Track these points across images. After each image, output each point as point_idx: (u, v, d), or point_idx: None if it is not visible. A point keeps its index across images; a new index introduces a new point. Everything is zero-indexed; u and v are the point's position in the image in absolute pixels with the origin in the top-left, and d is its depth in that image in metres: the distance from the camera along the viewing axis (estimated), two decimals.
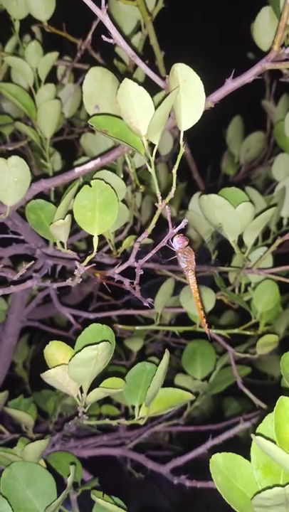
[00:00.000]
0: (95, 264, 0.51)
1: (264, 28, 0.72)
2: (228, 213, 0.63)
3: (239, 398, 1.02)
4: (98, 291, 1.05)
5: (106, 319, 0.88)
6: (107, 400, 0.89)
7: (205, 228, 0.71)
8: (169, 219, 0.45)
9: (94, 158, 0.62)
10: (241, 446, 0.44)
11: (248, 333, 0.77)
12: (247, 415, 0.78)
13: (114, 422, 0.58)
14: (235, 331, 0.77)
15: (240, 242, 0.70)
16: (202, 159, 1.13)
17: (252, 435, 0.37)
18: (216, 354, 0.84)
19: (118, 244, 0.72)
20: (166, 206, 0.46)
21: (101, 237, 0.77)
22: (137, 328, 0.79)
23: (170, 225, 0.45)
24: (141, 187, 0.69)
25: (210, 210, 0.64)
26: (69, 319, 0.80)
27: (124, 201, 0.67)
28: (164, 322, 0.89)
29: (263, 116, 1.09)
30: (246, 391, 0.74)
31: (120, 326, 0.80)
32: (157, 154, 1.00)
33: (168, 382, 0.70)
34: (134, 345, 0.92)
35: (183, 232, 0.50)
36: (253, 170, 1.14)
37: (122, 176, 0.68)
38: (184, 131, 0.50)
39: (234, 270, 0.74)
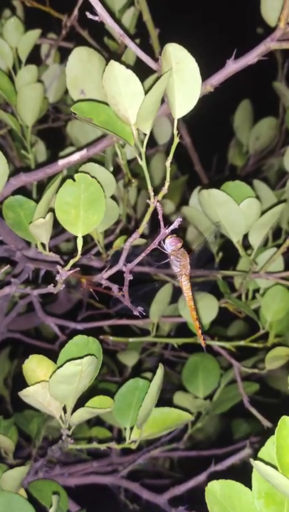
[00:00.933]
0: (78, 268, 0.52)
1: (272, 2, 0.72)
2: (230, 210, 0.64)
3: (249, 419, 1.02)
4: (88, 299, 1.05)
5: (96, 330, 0.89)
6: (98, 422, 0.89)
7: (206, 227, 0.72)
8: (160, 217, 0.46)
9: (80, 148, 0.63)
10: (247, 473, 0.45)
11: (255, 345, 0.77)
12: (255, 438, 0.79)
13: (102, 446, 0.59)
14: (242, 343, 0.77)
15: (247, 243, 0.71)
16: (206, 149, 1.14)
17: (251, 460, 0.38)
18: (221, 369, 0.85)
19: (109, 246, 0.73)
20: (158, 203, 0.46)
21: (91, 238, 0.79)
22: (131, 340, 0.80)
23: (162, 224, 0.46)
24: (133, 181, 0.70)
25: (210, 207, 0.64)
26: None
27: (114, 197, 0.67)
28: (161, 333, 0.89)
29: (275, 100, 1.10)
30: (253, 411, 0.75)
31: (112, 338, 0.81)
32: (154, 143, 1.03)
33: (167, 402, 0.71)
34: (129, 360, 0.93)
35: (176, 232, 0.51)
36: (264, 160, 1.15)
37: (111, 168, 0.69)
38: (184, 119, 0.51)
39: (240, 274, 0.75)
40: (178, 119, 0.50)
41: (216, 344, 0.78)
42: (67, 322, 0.80)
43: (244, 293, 0.78)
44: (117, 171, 0.81)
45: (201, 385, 0.83)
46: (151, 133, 0.94)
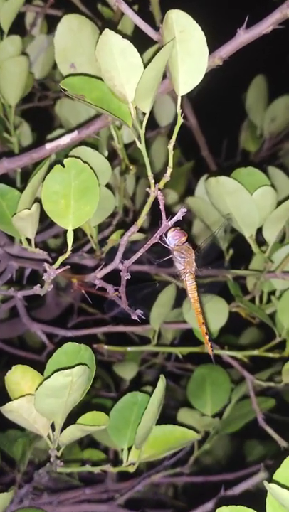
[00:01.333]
0: (68, 267, 0.52)
1: None
2: (242, 201, 0.64)
3: (264, 440, 1.03)
4: (80, 303, 1.06)
5: (89, 338, 0.89)
6: (92, 443, 0.90)
7: (214, 220, 0.72)
8: (161, 208, 0.46)
9: (71, 130, 0.64)
10: (262, 501, 0.45)
11: (271, 355, 0.78)
12: (271, 461, 0.79)
13: (96, 470, 0.59)
14: (255, 352, 0.78)
15: (261, 238, 0.71)
16: (214, 132, 1.14)
17: (265, 483, 0.38)
18: (232, 383, 0.85)
19: (104, 242, 0.73)
20: (159, 192, 0.46)
21: (83, 233, 0.79)
22: (129, 349, 0.80)
23: (163, 215, 0.46)
24: (131, 167, 0.71)
25: (219, 197, 0.65)
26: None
27: (109, 186, 0.68)
28: (164, 342, 0.90)
29: None
30: (269, 429, 0.75)
31: (107, 347, 0.81)
32: (155, 125, 1.03)
33: (171, 420, 0.72)
34: (127, 372, 0.93)
35: (180, 225, 0.51)
36: (280, 145, 1.15)
37: (106, 153, 0.69)
38: (190, 97, 0.51)
39: (253, 274, 0.75)
40: (182, 97, 0.50)
41: (225, 354, 0.79)
42: (55, 329, 0.80)
43: (258, 295, 0.79)
44: (112, 157, 0.81)
45: (209, 401, 0.83)
46: (152, 113, 0.94)
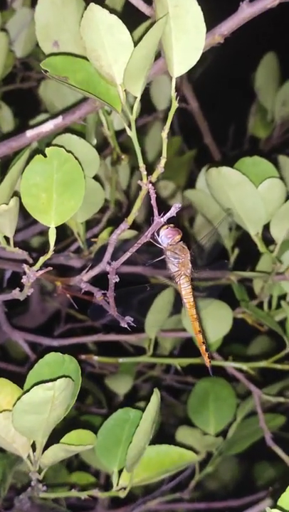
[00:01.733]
0: (50, 268, 0.52)
1: None
2: (246, 194, 0.64)
3: (274, 461, 1.03)
4: (68, 309, 1.06)
5: (78, 348, 0.89)
6: (81, 466, 0.90)
7: (215, 215, 0.73)
8: (153, 203, 0.46)
9: (55, 116, 0.64)
10: None
11: (280, 367, 0.78)
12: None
13: (83, 495, 0.60)
14: (263, 364, 0.78)
15: (268, 236, 0.71)
16: (220, 117, 1.15)
17: (267, 509, 0.39)
18: (237, 398, 0.86)
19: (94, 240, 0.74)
20: (150, 185, 0.47)
21: (71, 232, 0.79)
22: (121, 360, 0.80)
23: (155, 211, 0.47)
24: (123, 157, 0.71)
25: (221, 190, 0.65)
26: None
27: (98, 178, 0.68)
28: (162, 352, 0.90)
29: None
30: (278, 450, 0.75)
31: (97, 358, 0.82)
32: (152, 109, 1.04)
33: (170, 439, 0.72)
34: (120, 386, 0.94)
35: (175, 222, 0.51)
36: None
37: (94, 141, 0.70)
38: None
39: (260, 276, 0.76)
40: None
41: (230, 366, 0.79)
42: (39, 338, 0.81)
43: (266, 300, 0.79)
44: (104, 145, 0.82)
45: (212, 418, 0.84)
46: (148, 96, 0.95)
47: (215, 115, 1.13)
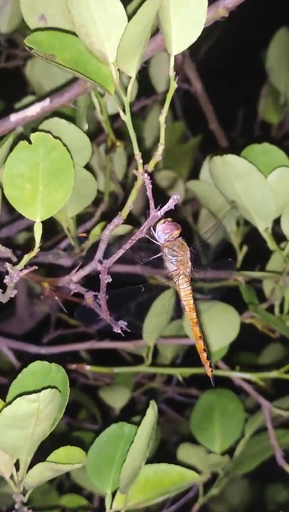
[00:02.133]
0: (36, 267, 0.53)
1: None
2: (254, 185, 0.65)
3: (287, 482, 1.03)
4: (59, 313, 1.06)
5: (68, 356, 0.90)
6: (74, 487, 0.90)
7: (221, 208, 0.73)
8: (149, 194, 0.46)
9: (42, 98, 0.64)
10: None
11: None
12: None
13: None
14: (273, 374, 0.78)
15: (279, 232, 0.72)
16: (227, 99, 1.15)
17: None
18: (245, 412, 0.86)
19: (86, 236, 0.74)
20: (146, 175, 0.47)
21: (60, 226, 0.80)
22: (116, 370, 0.81)
23: (151, 204, 0.47)
24: (118, 144, 0.71)
25: (226, 181, 0.65)
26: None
27: (90, 167, 0.69)
28: (162, 361, 0.90)
29: None
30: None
31: (90, 368, 0.82)
32: (152, 91, 1.04)
33: (170, 458, 0.72)
34: (116, 400, 0.94)
35: (173, 215, 0.52)
36: None
37: (86, 126, 0.70)
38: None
39: (270, 276, 0.76)
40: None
41: (237, 376, 0.79)
42: (25, 345, 0.81)
43: (277, 303, 0.79)
44: (98, 132, 0.82)
45: (218, 435, 0.84)
46: (146, 77, 0.95)
47: (222, 98, 1.13)
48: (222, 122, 1.12)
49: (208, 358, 0.63)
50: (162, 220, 0.54)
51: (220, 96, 1.13)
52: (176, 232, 0.55)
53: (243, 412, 0.85)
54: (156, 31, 0.59)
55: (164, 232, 0.54)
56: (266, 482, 1.14)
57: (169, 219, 0.54)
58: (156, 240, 0.55)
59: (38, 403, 0.47)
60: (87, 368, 0.82)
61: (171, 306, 0.75)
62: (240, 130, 1.23)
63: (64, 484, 0.97)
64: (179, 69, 0.93)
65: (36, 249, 0.52)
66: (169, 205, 0.47)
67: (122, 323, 0.53)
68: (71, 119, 0.64)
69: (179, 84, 1.02)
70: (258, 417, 0.85)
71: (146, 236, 0.50)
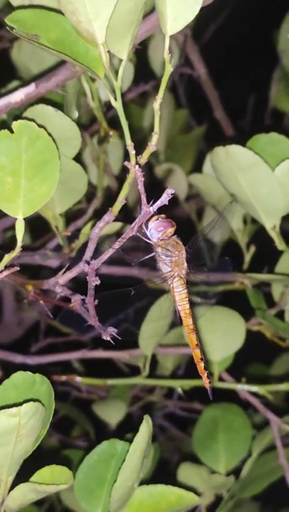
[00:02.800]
0: (17, 268, 0.53)
1: None
2: (260, 179, 0.64)
3: None
4: (50, 320, 1.06)
5: (58, 367, 0.89)
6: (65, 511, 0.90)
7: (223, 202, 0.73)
8: (140, 189, 0.46)
9: (27, 83, 0.64)
10: None
11: None
12: None
13: None
14: (283, 387, 0.78)
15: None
16: (235, 85, 1.15)
17: None
18: (253, 428, 0.85)
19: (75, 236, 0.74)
20: (137, 167, 0.47)
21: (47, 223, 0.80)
22: (109, 382, 0.80)
23: (143, 199, 0.46)
24: (111, 133, 0.71)
25: (230, 174, 0.65)
26: None
27: (80, 159, 0.68)
28: (162, 373, 0.90)
29: None
30: None
31: (81, 380, 0.82)
32: (151, 76, 1.03)
33: (170, 479, 0.72)
34: (111, 414, 0.94)
35: (172, 212, 0.51)
36: None
37: (76, 114, 0.70)
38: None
39: (279, 279, 0.76)
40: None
41: (243, 389, 0.79)
42: (11, 355, 0.81)
43: (287, 309, 0.79)
44: (91, 121, 0.82)
45: (223, 454, 0.83)
46: (144, 59, 0.95)
47: (230, 84, 1.13)
48: (230, 110, 1.12)
49: (205, 368, 0.62)
50: (155, 217, 0.54)
51: (228, 82, 1.13)
52: (171, 230, 0.54)
53: (250, 429, 0.85)
54: (151, 10, 0.59)
55: (157, 230, 0.54)
56: (276, 505, 1.13)
57: (162, 215, 0.54)
58: (149, 239, 0.55)
59: (18, 417, 0.47)
60: (78, 379, 0.82)
61: (170, 310, 0.74)
62: (250, 119, 1.23)
63: (55, 508, 0.97)
64: (180, 52, 0.93)
65: (18, 249, 0.52)
66: (162, 200, 0.46)
67: (112, 330, 0.52)
68: (59, 106, 0.64)
69: (181, 69, 1.03)
70: (266, 434, 0.84)
71: (138, 234, 0.50)
